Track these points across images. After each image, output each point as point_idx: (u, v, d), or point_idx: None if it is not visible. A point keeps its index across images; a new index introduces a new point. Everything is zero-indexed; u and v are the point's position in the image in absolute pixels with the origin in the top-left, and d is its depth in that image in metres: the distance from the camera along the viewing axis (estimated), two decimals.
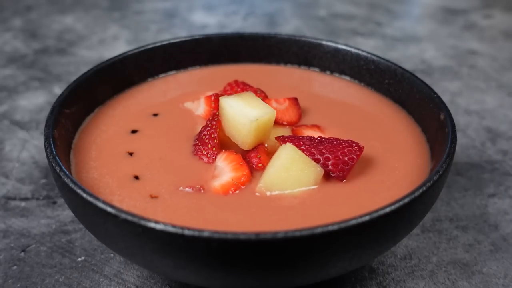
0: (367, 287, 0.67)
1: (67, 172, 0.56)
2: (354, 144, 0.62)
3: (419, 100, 0.74)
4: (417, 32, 1.53)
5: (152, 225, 0.49)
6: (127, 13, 1.60)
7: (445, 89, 1.17)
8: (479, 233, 0.76)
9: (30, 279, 0.67)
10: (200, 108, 0.76)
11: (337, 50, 0.86)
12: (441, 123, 0.67)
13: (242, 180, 0.62)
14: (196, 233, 0.48)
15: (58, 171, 0.56)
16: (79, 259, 0.70)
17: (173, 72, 0.88)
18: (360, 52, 0.83)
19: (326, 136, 0.71)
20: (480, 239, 0.75)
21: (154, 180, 0.63)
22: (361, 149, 0.62)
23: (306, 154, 0.62)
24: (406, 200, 0.53)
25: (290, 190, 0.61)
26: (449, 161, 0.59)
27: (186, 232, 0.48)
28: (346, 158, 0.61)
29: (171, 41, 0.86)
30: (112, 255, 0.71)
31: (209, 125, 0.67)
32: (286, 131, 0.71)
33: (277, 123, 0.70)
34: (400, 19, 1.63)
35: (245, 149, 0.65)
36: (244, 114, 0.64)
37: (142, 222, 0.49)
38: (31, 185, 0.84)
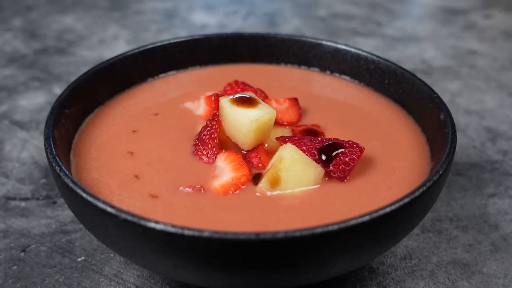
0: (367, 287, 0.67)
1: (67, 172, 0.56)
2: (355, 145, 0.62)
3: (419, 100, 0.74)
4: (417, 32, 1.53)
5: (152, 225, 0.49)
6: (127, 13, 1.60)
7: (445, 89, 1.17)
8: (479, 233, 0.76)
9: (30, 279, 0.67)
10: (200, 108, 0.76)
11: (337, 50, 0.86)
12: (441, 123, 0.67)
13: (242, 180, 0.62)
14: (196, 233, 0.48)
15: (58, 171, 0.56)
16: (79, 259, 0.70)
17: (173, 72, 0.88)
18: (360, 52, 0.83)
19: (326, 136, 0.71)
20: (480, 239, 0.75)
21: (154, 180, 0.63)
22: (361, 149, 0.63)
23: (307, 155, 0.62)
24: (406, 200, 0.53)
25: (291, 190, 0.61)
26: (449, 161, 0.59)
27: (186, 232, 0.48)
28: (347, 159, 0.61)
29: (171, 41, 0.86)
30: (112, 255, 0.71)
31: (209, 125, 0.67)
32: (286, 131, 0.71)
33: (277, 123, 0.70)
34: (400, 19, 1.63)
35: (245, 149, 0.65)
36: (244, 114, 0.64)
37: (142, 222, 0.49)
38: (31, 185, 0.84)
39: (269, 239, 0.48)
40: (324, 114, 0.77)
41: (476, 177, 0.88)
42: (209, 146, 0.65)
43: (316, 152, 0.62)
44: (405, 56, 1.35)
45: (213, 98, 0.74)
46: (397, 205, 0.52)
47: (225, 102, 0.66)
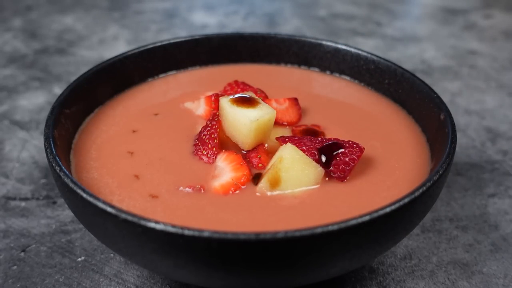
0: (367, 287, 0.67)
1: (67, 172, 0.56)
2: (355, 145, 0.63)
3: (419, 100, 0.74)
4: (417, 32, 1.53)
5: (152, 225, 0.49)
6: (127, 13, 1.60)
7: (445, 89, 1.17)
8: (479, 233, 0.76)
9: (30, 279, 0.67)
10: (200, 108, 0.76)
11: (337, 50, 0.86)
12: (441, 123, 0.67)
13: (242, 180, 0.62)
14: (196, 233, 0.48)
15: (58, 171, 0.56)
16: (79, 259, 0.70)
17: (173, 72, 0.88)
18: (360, 52, 0.83)
19: (326, 136, 0.71)
20: (480, 239, 0.75)
21: (154, 180, 0.63)
22: (361, 150, 0.63)
23: (307, 155, 0.62)
24: (406, 200, 0.53)
25: (291, 190, 0.61)
26: (449, 161, 0.59)
27: (186, 232, 0.48)
28: (347, 159, 0.61)
29: (171, 41, 0.86)
30: (112, 255, 0.71)
31: (209, 125, 0.67)
32: (286, 131, 0.71)
33: (277, 123, 0.70)
34: (400, 19, 1.63)
35: (245, 149, 0.65)
36: (244, 114, 0.64)
37: (142, 222, 0.49)
38: (31, 185, 0.84)
39: (269, 239, 0.48)
40: (324, 114, 0.77)
41: (476, 177, 0.88)
42: (209, 146, 0.65)
43: (316, 152, 0.62)
44: (405, 56, 1.35)
45: (213, 98, 0.74)
46: (397, 205, 0.52)
47: (225, 102, 0.66)
